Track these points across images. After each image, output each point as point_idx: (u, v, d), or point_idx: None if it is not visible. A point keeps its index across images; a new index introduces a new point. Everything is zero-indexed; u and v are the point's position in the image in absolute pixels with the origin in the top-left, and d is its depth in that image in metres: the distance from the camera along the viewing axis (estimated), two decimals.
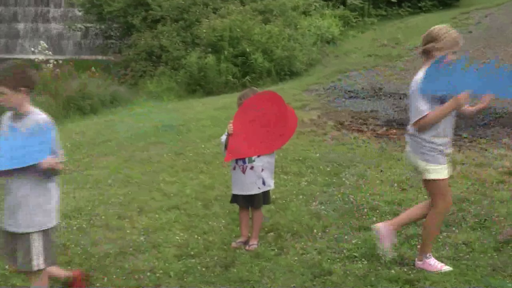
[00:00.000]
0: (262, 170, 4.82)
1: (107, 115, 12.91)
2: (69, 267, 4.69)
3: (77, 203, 6.28)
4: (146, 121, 11.18)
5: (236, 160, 4.82)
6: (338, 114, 10.00)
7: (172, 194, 6.35)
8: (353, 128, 9.02)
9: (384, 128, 8.88)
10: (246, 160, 4.79)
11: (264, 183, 4.85)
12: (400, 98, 11.00)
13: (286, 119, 4.86)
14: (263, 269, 4.51)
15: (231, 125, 4.77)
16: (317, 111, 10.31)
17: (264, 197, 4.95)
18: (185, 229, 5.41)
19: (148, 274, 4.55)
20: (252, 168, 4.80)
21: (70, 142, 9.77)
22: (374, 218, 5.32)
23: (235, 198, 4.97)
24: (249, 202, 4.93)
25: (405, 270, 4.35)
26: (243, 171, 4.81)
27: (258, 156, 4.79)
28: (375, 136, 8.43)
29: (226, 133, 4.84)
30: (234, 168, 4.87)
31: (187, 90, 15.56)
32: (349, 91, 12.18)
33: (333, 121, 9.51)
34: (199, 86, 15.40)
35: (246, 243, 4.94)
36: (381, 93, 11.79)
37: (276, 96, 4.91)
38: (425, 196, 5.71)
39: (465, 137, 8.11)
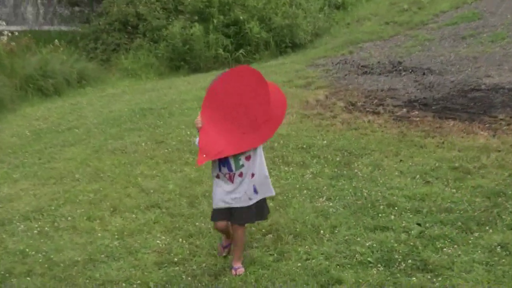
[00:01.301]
0: (253, 175, 4.56)
1: (73, 97, 12.89)
2: (28, 278, 4.69)
3: (38, 202, 6.27)
4: (120, 103, 11.17)
5: (219, 166, 4.53)
6: (350, 94, 9.96)
7: (151, 190, 6.35)
8: (367, 109, 8.99)
9: (404, 110, 8.85)
10: (232, 165, 4.49)
11: (256, 190, 4.59)
12: (424, 74, 10.98)
13: (268, 98, 4.46)
14: (260, 278, 4.52)
15: (199, 117, 4.44)
16: (324, 90, 10.28)
17: (259, 210, 4.70)
18: (168, 231, 5.41)
19: (124, 285, 4.55)
20: (241, 175, 4.53)
21: (29, 129, 9.78)
22: (392, 216, 5.32)
23: (219, 214, 4.67)
24: (234, 216, 4.64)
25: (429, 277, 4.36)
26: (231, 180, 4.54)
27: (248, 159, 4.50)
28: (393, 119, 8.40)
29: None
30: (218, 177, 4.58)
31: (169, 67, 15.54)
32: (362, 66, 12.14)
33: (343, 101, 9.49)
34: (183, 61, 15.37)
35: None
36: (400, 67, 11.76)
37: (249, 71, 4.49)
38: (453, 190, 5.75)
39: (501, 119, 8.09)
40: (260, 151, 4.57)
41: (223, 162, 4.50)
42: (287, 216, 5.50)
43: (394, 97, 9.65)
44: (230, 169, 4.50)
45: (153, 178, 6.73)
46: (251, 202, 4.58)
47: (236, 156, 4.48)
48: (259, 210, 4.70)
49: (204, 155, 4.40)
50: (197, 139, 4.50)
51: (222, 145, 4.41)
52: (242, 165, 4.51)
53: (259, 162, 4.57)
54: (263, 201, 4.72)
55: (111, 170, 7.10)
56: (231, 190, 4.53)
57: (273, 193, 4.79)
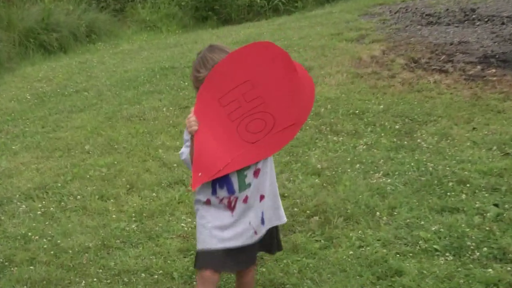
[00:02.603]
0: (262, 198, 3.72)
1: (81, 54, 12.98)
2: (32, 267, 4.76)
3: (41, 178, 6.35)
4: (137, 62, 11.21)
5: (213, 188, 3.63)
6: (411, 48, 9.86)
7: (175, 164, 6.39)
8: (433, 67, 8.90)
9: (479, 67, 8.73)
10: (235, 185, 3.61)
11: (263, 220, 3.74)
12: (502, 24, 10.80)
13: (299, 95, 3.60)
14: (304, 268, 4.51)
15: (192, 117, 3.50)
16: (381, 44, 10.20)
17: (272, 241, 3.93)
18: (194, 212, 5.42)
19: (143, 275, 4.59)
20: (246, 199, 3.64)
21: (30, 92, 9.88)
22: (463, 196, 5.27)
23: (209, 259, 3.67)
24: (236, 260, 3.74)
25: (509, 268, 4.30)
26: (231, 207, 3.64)
27: (256, 174, 3.64)
28: (465, 79, 8.30)
29: (187, 139, 3.64)
30: (208, 203, 3.67)
31: (195, 18, 15.54)
32: (427, 15, 11.99)
33: (404, 58, 9.40)
34: (211, 11, 15.36)
35: None
36: (474, 16, 11.58)
37: (274, 50, 3.52)
38: None
39: None
40: (270, 158, 3.73)
41: (221, 181, 3.59)
42: (336, 195, 5.49)
43: (466, 52, 9.52)
44: (231, 191, 3.60)
45: (176, 150, 6.75)
46: (255, 238, 3.72)
47: (241, 172, 3.59)
48: (275, 240, 3.95)
49: (200, 174, 3.52)
50: (185, 152, 3.63)
51: (225, 158, 3.55)
52: (249, 184, 3.62)
53: (270, 175, 3.75)
54: (276, 232, 3.93)
55: (127, 141, 7.15)
56: (229, 224, 3.63)
57: (284, 220, 3.90)
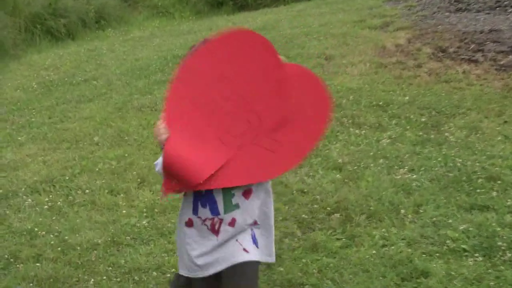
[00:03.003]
0: (255, 224, 3.32)
1: (90, 41, 13.01)
2: (38, 264, 4.78)
3: (48, 170, 6.38)
4: (149, 49, 11.22)
5: (195, 206, 3.27)
6: (439, 37, 9.83)
7: None
8: (462, 57, 8.86)
9: (511, 57, 8.69)
10: (220, 205, 3.21)
11: (256, 241, 3.31)
12: None
13: (281, 84, 3.22)
14: (324, 268, 4.50)
15: (160, 125, 3.12)
16: (406, 32, 10.17)
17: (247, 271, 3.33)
18: None
19: (154, 274, 4.60)
20: (233, 222, 3.23)
21: (36, 81, 9.93)
22: (494, 193, 5.24)
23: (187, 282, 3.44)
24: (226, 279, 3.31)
25: None
26: (214, 231, 3.23)
27: (247, 195, 3.25)
28: (496, 69, 8.26)
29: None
30: (189, 225, 3.30)
31: (209, 3, 15.55)
32: (456, 1, 11.94)
33: (431, 46, 9.37)
34: None
35: None
36: (506, 2, 11.49)
37: (252, 37, 3.25)
38: None
39: None
40: (268, 182, 3.34)
41: (203, 199, 3.24)
42: (358, 191, 5.48)
43: (497, 40, 9.47)
44: (215, 212, 3.21)
45: None
46: (250, 257, 3.26)
47: (227, 189, 3.20)
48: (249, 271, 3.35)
49: (174, 185, 3.16)
50: (159, 162, 3.21)
51: (206, 169, 3.12)
52: (236, 205, 3.22)
53: (264, 203, 3.32)
54: (254, 265, 3.34)
55: (138, 132, 7.18)
56: (211, 249, 3.26)
57: (273, 260, 3.41)
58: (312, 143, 3.26)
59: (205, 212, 3.20)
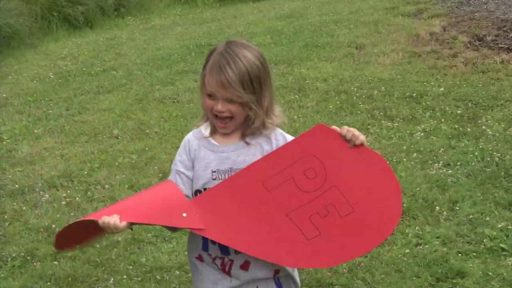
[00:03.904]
0: (277, 272, 2.99)
1: (109, 30, 13.05)
2: (56, 262, 4.79)
3: (66, 165, 6.40)
4: (170, 38, 11.24)
5: (204, 243, 2.98)
6: (476, 24, 9.75)
7: None
8: (501, 46, 8.80)
9: None
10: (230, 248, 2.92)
11: (278, 280, 3.02)
12: None
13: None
14: (355, 268, 4.50)
15: (115, 217, 2.82)
16: (441, 20, 10.12)
17: None
18: None
19: (177, 273, 4.60)
20: (246, 265, 2.95)
21: (53, 71, 9.97)
22: None
23: None
24: None
25: None
26: (225, 270, 2.97)
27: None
28: None
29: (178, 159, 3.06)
30: (200, 259, 3.02)
31: None
32: None
33: (467, 35, 9.31)
34: None
35: None
36: None
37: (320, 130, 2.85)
38: None
39: None
40: None
41: None
42: None
43: None
44: (224, 251, 2.94)
45: None
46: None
47: None
48: None
49: (185, 215, 2.82)
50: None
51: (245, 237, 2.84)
52: None
53: None
54: None
55: (159, 125, 7.18)
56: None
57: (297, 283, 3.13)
58: (371, 246, 2.88)
59: (215, 250, 2.93)
